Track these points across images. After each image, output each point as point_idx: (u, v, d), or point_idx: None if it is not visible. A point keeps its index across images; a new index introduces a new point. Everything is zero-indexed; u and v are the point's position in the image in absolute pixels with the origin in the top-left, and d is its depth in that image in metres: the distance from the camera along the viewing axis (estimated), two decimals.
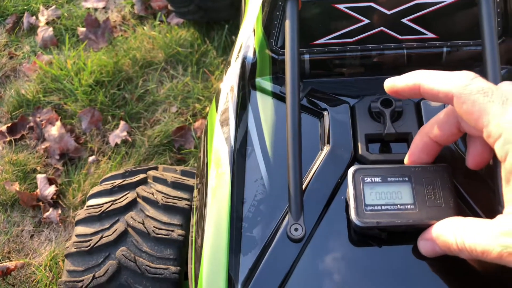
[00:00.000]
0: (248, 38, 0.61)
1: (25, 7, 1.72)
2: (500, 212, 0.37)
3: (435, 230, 0.40)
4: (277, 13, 0.54)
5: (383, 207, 0.44)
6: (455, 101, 0.38)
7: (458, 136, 0.43)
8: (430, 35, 0.55)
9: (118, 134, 1.38)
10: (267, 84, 0.58)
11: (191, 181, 0.77)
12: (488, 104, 0.36)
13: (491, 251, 0.34)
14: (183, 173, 0.80)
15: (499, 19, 0.52)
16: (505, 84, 0.39)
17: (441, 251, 0.40)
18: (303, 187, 0.49)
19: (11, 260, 1.24)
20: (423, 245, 0.42)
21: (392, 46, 0.56)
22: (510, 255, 0.33)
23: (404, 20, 0.54)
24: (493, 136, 0.36)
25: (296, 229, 0.46)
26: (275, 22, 0.55)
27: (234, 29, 1.49)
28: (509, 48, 0.55)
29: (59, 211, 1.30)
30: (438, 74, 0.40)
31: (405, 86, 0.42)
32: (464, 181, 0.47)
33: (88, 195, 0.77)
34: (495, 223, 0.35)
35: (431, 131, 0.43)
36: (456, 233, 0.38)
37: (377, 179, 0.45)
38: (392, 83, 0.43)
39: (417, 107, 0.53)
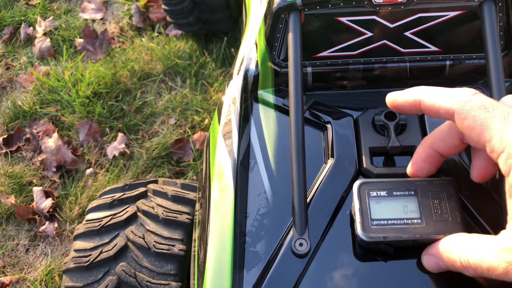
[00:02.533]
0: (250, 50, 0.61)
1: (23, 18, 1.72)
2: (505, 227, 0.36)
3: (439, 246, 0.40)
4: (280, 25, 0.54)
5: (389, 222, 0.43)
6: (456, 117, 0.38)
7: (461, 147, 0.43)
8: (433, 48, 0.55)
9: (116, 146, 1.37)
10: (270, 97, 0.58)
11: (191, 195, 0.76)
12: (489, 120, 0.36)
13: (497, 268, 0.34)
14: (184, 186, 0.80)
15: (501, 33, 0.53)
16: (508, 98, 0.39)
17: (445, 267, 0.40)
18: (307, 201, 0.49)
19: (6, 275, 1.22)
20: (427, 260, 0.42)
21: (395, 59, 0.56)
22: None
23: (407, 34, 0.54)
24: (496, 151, 0.36)
25: (301, 244, 0.46)
26: (278, 35, 0.55)
27: (233, 41, 1.50)
28: None
29: (56, 225, 1.29)
30: (439, 90, 0.40)
31: (405, 102, 0.42)
32: (470, 194, 0.46)
33: (87, 209, 0.76)
34: (499, 239, 0.35)
35: (434, 142, 0.43)
36: (460, 250, 0.38)
37: (383, 193, 0.45)
38: (393, 98, 0.43)
39: (421, 120, 0.52)
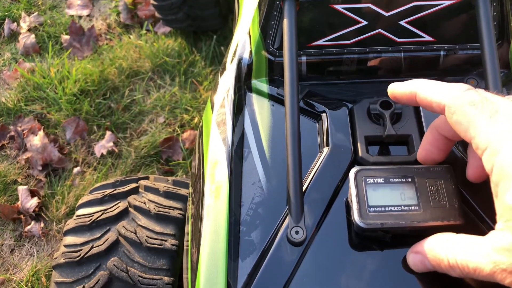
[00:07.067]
0: (244, 39, 0.60)
1: (6, 13, 1.68)
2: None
3: (426, 243, 0.40)
4: (275, 13, 0.54)
5: (386, 208, 0.43)
6: (446, 111, 0.38)
7: None
8: (428, 38, 0.55)
9: (104, 145, 1.35)
10: (264, 86, 0.58)
11: (183, 191, 0.75)
12: (477, 116, 0.36)
13: (483, 269, 0.34)
14: (175, 183, 0.79)
15: (495, 23, 0.53)
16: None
17: (431, 267, 0.39)
18: (303, 189, 0.48)
19: None
20: (413, 258, 0.41)
21: (390, 48, 0.56)
22: (503, 272, 0.33)
23: (402, 23, 0.54)
24: (480, 148, 0.35)
25: (297, 232, 0.45)
26: (272, 23, 0.54)
27: (222, 40, 1.49)
28: (505, 52, 0.56)
29: (42, 224, 1.26)
30: (434, 84, 0.41)
31: (403, 94, 0.43)
32: (467, 183, 0.46)
33: (77, 204, 0.74)
34: (487, 239, 0.35)
35: (439, 125, 0.43)
36: (448, 249, 0.37)
37: (380, 180, 0.45)
38: (393, 89, 0.44)
39: (416, 109, 0.52)
